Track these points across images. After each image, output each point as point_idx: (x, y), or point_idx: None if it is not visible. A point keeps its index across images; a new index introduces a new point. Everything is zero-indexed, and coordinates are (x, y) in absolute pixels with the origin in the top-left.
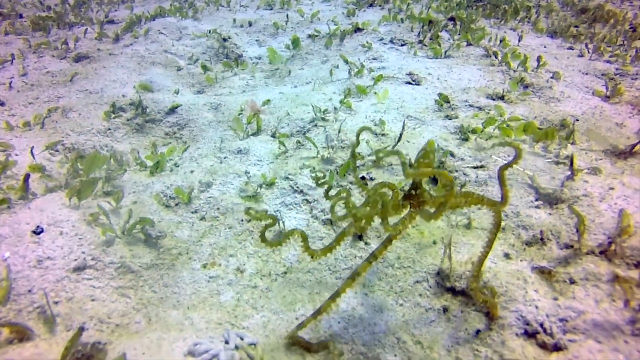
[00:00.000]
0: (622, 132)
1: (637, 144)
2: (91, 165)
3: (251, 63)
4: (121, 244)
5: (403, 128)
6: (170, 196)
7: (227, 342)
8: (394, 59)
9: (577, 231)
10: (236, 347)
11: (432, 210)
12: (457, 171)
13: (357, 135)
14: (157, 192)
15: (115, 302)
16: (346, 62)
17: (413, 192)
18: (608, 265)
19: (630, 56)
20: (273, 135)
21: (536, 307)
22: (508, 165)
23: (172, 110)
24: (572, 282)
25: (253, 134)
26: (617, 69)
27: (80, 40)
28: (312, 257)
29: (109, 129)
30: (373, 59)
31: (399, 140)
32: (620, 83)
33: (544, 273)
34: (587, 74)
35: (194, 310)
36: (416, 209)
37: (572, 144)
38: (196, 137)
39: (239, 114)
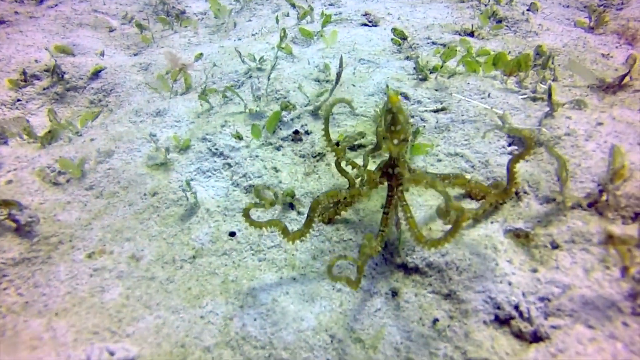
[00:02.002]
0: (608, 64)
1: (626, 74)
2: None
3: (196, 19)
4: None
5: (341, 65)
6: (59, 171)
7: None
8: (353, 3)
9: (559, 179)
10: None
11: (437, 235)
12: (413, 116)
13: (328, 109)
14: (42, 167)
15: None
16: (293, 5)
17: (390, 169)
18: (599, 221)
19: None
20: (203, 93)
21: (509, 284)
22: (519, 157)
23: (95, 74)
24: (555, 246)
25: (183, 93)
26: None
27: None
28: (302, 235)
29: (19, 100)
30: (329, 4)
31: (337, 83)
32: (605, 11)
33: (520, 237)
34: (567, 6)
35: (64, 316)
36: (395, 188)
37: (553, 80)
38: (123, 102)
39: (166, 72)
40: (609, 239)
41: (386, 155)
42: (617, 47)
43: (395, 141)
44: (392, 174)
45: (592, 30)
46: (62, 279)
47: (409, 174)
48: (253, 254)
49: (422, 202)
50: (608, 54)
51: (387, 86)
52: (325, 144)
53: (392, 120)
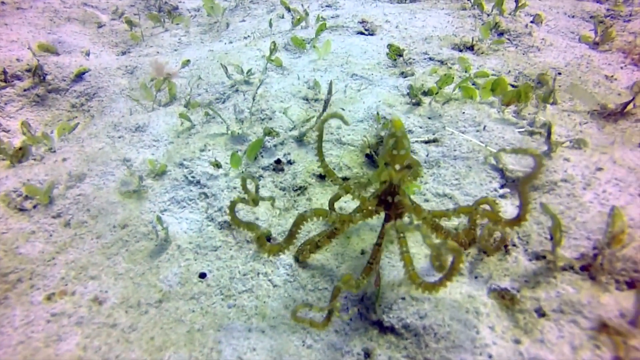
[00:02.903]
0: (612, 87)
1: (629, 102)
2: None
3: (188, 16)
4: None
5: (330, 92)
6: (26, 195)
7: None
8: (351, 5)
9: (552, 239)
10: None
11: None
12: None
13: (321, 126)
14: (8, 191)
15: None
16: (288, 9)
17: (389, 198)
18: (591, 288)
19: None
20: (187, 105)
21: (489, 357)
22: (529, 179)
23: (79, 76)
24: (542, 314)
25: (166, 104)
26: (608, 9)
27: None
28: (280, 250)
29: None
30: (327, 6)
31: (324, 109)
32: (611, 26)
33: (505, 298)
34: (573, 16)
35: None
36: (393, 219)
37: (552, 104)
38: (105, 109)
39: (150, 80)
40: (603, 328)
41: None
42: (622, 68)
43: (398, 167)
44: (391, 203)
45: (597, 45)
46: (17, 325)
47: (410, 204)
48: (223, 299)
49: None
50: (612, 76)
51: (378, 113)
52: (319, 164)
53: (395, 144)
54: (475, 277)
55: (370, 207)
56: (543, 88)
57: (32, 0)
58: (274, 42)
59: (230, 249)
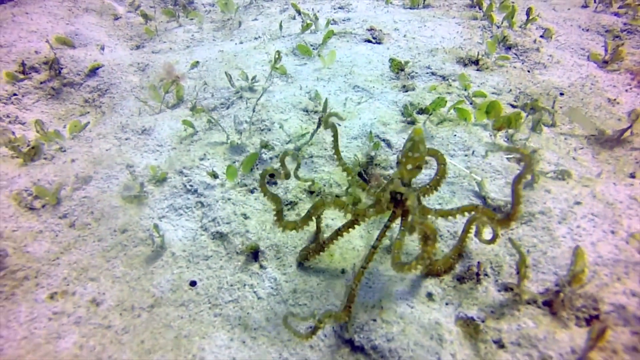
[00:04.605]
0: (613, 112)
1: (626, 129)
2: None
3: (202, 11)
4: None
5: (324, 109)
6: (36, 195)
7: None
8: (364, 7)
9: (518, 273)
10: None
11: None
12: (391, 167)
13: (331, 123)
14: (20, 190)
15: None
16: (299, 12)
17: (398, 195)
18: (551, 322)
19: None
20: (192, 109)
21: None
22: (521, 177)
23: (93, 71)
24: (501, 345)
25: (173, 106)
26: (625, 23)
27: None
28: (294, 227)
29: (15, 95)
30: (339, 7)
31: (318, 127)
32: (622, 44)
33: (469, 326)
34: (587, 30)
35: None
36: (401, 216)
37: (550, 126)
38: (116, 106)
39: (160, 80)
40: None
41: None
42: (626, 90)
43: (409, 166)
44: (400, 200)
45: (605, 64)
46: (22, 320)
47: (416, 203)
48: (210, 308)
49: (382, 270)
50: (615, 99)
51: (371, 132)
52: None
53: (411, 146)
54: (446, 304)
55: (383, 203)
56: (536, 114)
57: None
58: (278, 51)
59: (221, 259)
